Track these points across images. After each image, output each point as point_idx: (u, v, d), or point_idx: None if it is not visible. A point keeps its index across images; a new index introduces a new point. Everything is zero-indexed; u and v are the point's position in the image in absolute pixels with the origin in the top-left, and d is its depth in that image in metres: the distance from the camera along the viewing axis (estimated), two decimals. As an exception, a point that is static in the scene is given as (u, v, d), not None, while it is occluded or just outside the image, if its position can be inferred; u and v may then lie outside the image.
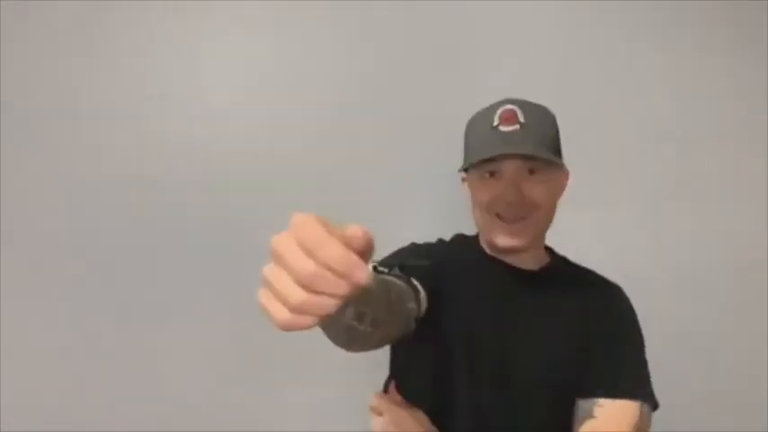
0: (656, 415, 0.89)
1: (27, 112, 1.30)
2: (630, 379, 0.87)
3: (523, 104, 0.92)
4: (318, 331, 0.59)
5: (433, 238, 1.03)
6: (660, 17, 1.39)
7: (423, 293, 0.82)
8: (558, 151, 0.95)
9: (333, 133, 1.35)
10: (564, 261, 1.01)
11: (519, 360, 0.88)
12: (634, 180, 1.37)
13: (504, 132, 0.89)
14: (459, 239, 1.05)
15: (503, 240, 0.92)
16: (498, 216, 0.91)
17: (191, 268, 1.31)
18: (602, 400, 0.84)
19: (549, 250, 1.02)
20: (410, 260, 0.87)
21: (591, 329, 0.89)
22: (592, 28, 1.39)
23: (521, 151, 0.88)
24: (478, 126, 0.94)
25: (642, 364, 0.91)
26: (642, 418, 0.84)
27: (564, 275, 0.97)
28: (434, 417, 0.88)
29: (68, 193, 1.30)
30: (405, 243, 1.00)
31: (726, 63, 1.39)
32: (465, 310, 0.90)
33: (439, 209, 1.33)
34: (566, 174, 0.99)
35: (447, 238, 1.05)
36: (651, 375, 0.91)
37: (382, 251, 0.98)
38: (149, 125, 1.32)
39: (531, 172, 0.90)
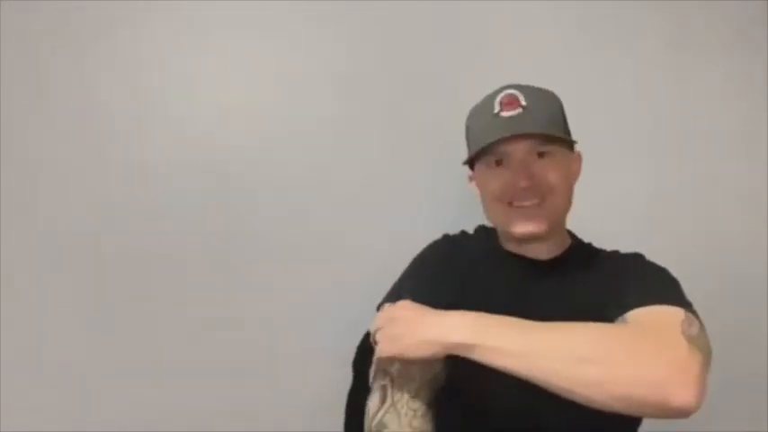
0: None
1: (27, 113, 1.30)
2: (661, 293, 0.76)
3: (524, 88, 0.89)
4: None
5: (436, 236, 1.02)
6: (660, 17, 1.39)
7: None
8: (566, 133, 0.91)
9: (336, 135, 1.35)
10: (582, 246, 0.98)
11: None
12: (632, 180, 1.37)
13: (507, 118, 0.86)
14: (479, 233, 1.02)
15: (520, 227, 0.87)
16: (511, 204, 0.88)
17: (190, 269, 1.31)
18: (632, 312, 0.72)
19: (571, 236, 0.98)
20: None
21: (607, 298, 0.79)
22: (591, 29, 1.39)
23: (525, 131, 0.84)
24: (479, 116, 0.92)
25: (674, 288, 0.81)
26: (691, 324, 0.69)
27: (581, 260, 0.92)
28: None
29: (69, 194, 1.30)
30: (413, 241, 0.99)
31: (726, 63, 1.39)
32: (478, 306, 0.84)
33: (445, 210, 1.33)
34: (578, 156, 0.95)
35: (452, 233, 1.03)
36: None
37: (397, 250, 0.99)
38: (150, 126, 1.32)
39: (541, 155, 0.87)
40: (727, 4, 1.38)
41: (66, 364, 1.27)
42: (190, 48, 1.33)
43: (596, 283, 0.85)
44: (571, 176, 0.93)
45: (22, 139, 1.30)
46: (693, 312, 0.74)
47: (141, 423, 1.25)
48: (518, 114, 0.86)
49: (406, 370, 0.79)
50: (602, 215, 1.36)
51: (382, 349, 0.77)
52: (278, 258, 1.32)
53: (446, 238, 1.01)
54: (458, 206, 1.23)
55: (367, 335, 0.83)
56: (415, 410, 0.77)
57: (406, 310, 0.78)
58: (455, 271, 0.90)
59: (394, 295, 0.87)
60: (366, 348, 0.83)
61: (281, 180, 1.34)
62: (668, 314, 0.70)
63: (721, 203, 1.37)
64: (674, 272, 1.35)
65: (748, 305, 1.35)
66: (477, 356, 0.69)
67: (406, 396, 0.78)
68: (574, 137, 0.95)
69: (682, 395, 0.61)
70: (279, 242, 1.33)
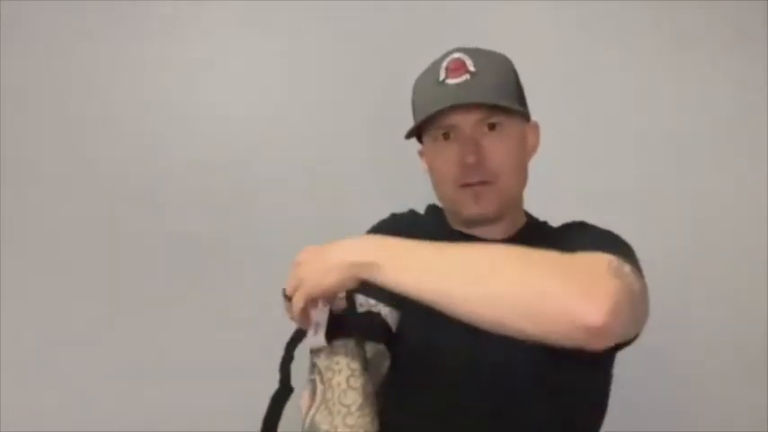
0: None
1: (28, 118, 1.30)
2: (595, 243, 0.68)
3: (474, 52, 0.82)
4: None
5: None
6: (660, 17, 1.39)
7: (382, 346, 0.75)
8: (520, 100, 0.83)
9: (337, 135, 1.36)
10: (537, 225, 0.90)
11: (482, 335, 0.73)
12: (632, 180, 1.37)
13: (452, 85, 0.78)
14: (429, 213, 0.96)
15: (469, 209, 0.81)
16: (461, 185, 0.80)
17: (190, 268, 1.31)
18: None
19: (527, 215, 0.91)
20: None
21: None
22: (591, 29, 1.39)
23: (470, 100, 0.76)
24: (424, 84, 0.84)
25: (615, 242, 0.74)
26: (621, 265, 0.61)
27: (534, 239, 0.81)
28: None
29: (68, 195, 1.30)
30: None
31: (726, 63, 1.39)
32: None
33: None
34: (534, 127, 0.87)
35: (400, 212, 0.99)
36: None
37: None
38: (150, 127, 1.32)
39: (491, 127, 0.79)
40: (727, 5, 1.38)
41: (67, 364, 1.27)
42: (190, 47, 1.34)
43: None
44: (526, 150, 0.85)
45: (22, 138, 1.30)
46: (636, 267, 0.66)
47: (141, 423, 1.25)
48: (465, 81, 0.78)
49: (333, 360, 0.71)
50: (601, 214, 1.35)
51: (295, 299, 0.69)
52: (278, 258, 1.32)
53: (393, 217, 0.95)
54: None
55: (297, 332, 0.76)
56: (348, 406, 0.68)
57: (308, 251, 0.71)
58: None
59: None
60: (294, 344, 0.75)
61: (281, 180, 1.34)
62: (595, 255, 0.62)
63: (721, 203, 1.36)
64: (674, 271, 1.36)
65: (748, 305, 1.35)
66: (380, 278, 0.62)
67: (336, 391, 0.70)
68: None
69: (589, 310, 0.52)
70: (279, 242, 1.33)
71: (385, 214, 0.99)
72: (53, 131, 1.30)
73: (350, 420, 0.68)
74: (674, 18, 1.38)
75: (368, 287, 0.71)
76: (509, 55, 1.36)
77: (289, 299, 0.70)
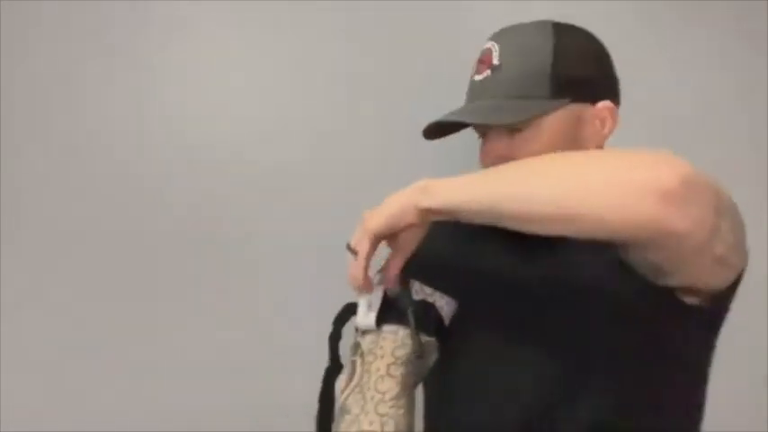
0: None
1: (27, 113, 1.30)
2: None
3: (505, 36, 0.76)
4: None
5: None
6: (660, 16, 1.39)
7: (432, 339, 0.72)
8: (557, 86, 0.72)
9: (337, 135, 1.35)
10: None
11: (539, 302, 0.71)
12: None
13: (476, 83, 0.74)
14: None
15: None
16: None
17: (190, 268, 1.31)
18: None
19: None
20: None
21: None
22: (591, 28, 1.39)
23: (464, 118, 0.71)
24: (469, 76, 0.80)
25: None
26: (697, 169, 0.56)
27: None
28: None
29: (67, 194, 1.30)
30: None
31: (726, 62, 1.39)
32: (472, 256, 0.76)
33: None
34: (600, 109, 0.76)
35: None
36: None
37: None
38: (149, 126, 1.32)
39: (518, 128, 0.72)
40: (728, 5, 1.38)
41: (67, 364, 1.27)
42: (190, 47, 1.33)
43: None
44: (579, 138, 0.74)
45: (22, 138, 1.30)
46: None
47: (141, 423, 1.25)
48: (484, 79, 0.73)
49: (377, 344, 0.68)
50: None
51: (360, 244, 0.65)
52: (279, 258, 1.32)
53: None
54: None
55: (346, 306, 0.74)
56: (383, 393, 0.65)
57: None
58: (449, 229, 0.77)
59: None
60: (342, 321, 0.73)
61: (281, 180, 1.34)
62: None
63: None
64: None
65: (748, 305, 1.35)
66: (436, 198, 0.62)
67: (374, 376, 0.66)
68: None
69: (661, 173, 0.51)
70: (280, 242, 1.33)
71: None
72: (52, 131, 1.30)
73: (381, 408, 0.65)
74: (674, 18, 1.39)
75: (426, 271, 0.71)
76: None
77: (353, 252, 0.66)
